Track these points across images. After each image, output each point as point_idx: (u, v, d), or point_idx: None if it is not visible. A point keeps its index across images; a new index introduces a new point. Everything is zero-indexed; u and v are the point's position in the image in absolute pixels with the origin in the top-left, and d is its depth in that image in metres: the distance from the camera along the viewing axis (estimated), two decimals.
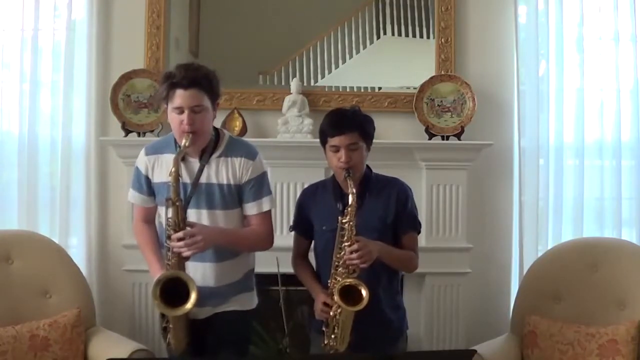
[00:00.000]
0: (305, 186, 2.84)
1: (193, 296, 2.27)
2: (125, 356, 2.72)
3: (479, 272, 3.53)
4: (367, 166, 2.62)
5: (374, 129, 2.60)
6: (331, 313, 2.44)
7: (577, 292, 3.05)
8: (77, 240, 3.52)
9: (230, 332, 2.50)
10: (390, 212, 2.57)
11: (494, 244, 3.62)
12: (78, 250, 3.49)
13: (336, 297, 2.39)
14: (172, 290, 2.29)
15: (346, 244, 2.41)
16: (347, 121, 2.52)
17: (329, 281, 2.49)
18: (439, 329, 3.48)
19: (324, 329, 2.50)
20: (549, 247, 3.39)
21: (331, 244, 2.48)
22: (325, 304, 2.48)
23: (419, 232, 2.67)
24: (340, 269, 2.44)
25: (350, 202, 2.42)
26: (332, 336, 2.47)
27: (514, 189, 3.58)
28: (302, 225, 2.69)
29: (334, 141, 2.50)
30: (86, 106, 3.49)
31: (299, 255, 2.73)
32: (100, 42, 3.50)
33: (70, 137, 3.50)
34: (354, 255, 2.38)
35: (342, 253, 2.42)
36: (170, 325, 2.41)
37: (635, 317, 2.89)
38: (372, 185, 2.60)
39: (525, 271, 3.27)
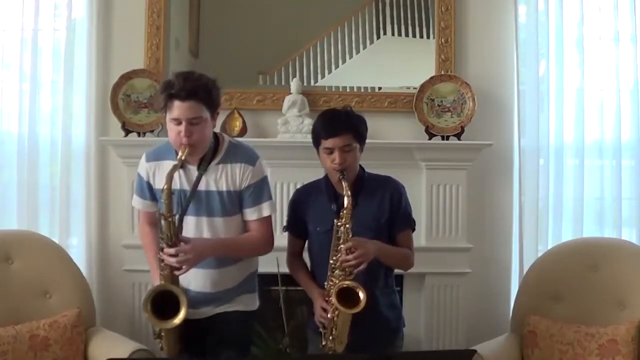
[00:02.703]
0: (298, 186, 2.84)
1: (182, 311, 2.30)
2: (125, 356, 2.71)
3: (479, 272, 3.52)
4: (360, 166, 2.62)
5: (367, 129, 2.60)
6: (329, 315, 2.44)
7: (577, 292, 3.05)
8: (77, 240, 3.52)
9: (231, 332, 2.50)
10: (385, 211, 2.57)
11: (494, 244, 3.62)
12: (78, 250, 3.49)
13: (333, 300, 2.39)
14: (165, 299, 2.31)
15: (342, 246, 2.41)
16: (340, 123, 2.50)
17: (325, 283, 2.49)
18: (439, 329, 3.47)
19: (321, 330, 2.50)
20: (549, 247, 3.39)
21: (326, 244, 2.48)
22: (323, 308, 2.48)
23: (413, 230, 2.67)
24: (336, 271, 2.43)
25: (345, 205, 2.42)
26: (330, 337, 2.46)
27: (514, 189, 3.57)
28: (296, 226, 2.68)
29: (327, 143, 2.49)
30: (86, 106, 3.49)
31: (294, 254, 2.73)
32: (100, 42, 3.50)
33: (70, 137, 3.50)
34: (350, 257, 2.38)
35: (339, 255, 2.42)
36: (162, 333, 2.43)
37: (635, 317, 2.89)
38: (365, 185, 2.60)
39: (525, 271, 3.27)
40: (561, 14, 3.51)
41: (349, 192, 2.43)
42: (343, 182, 2.44)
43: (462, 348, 3.26)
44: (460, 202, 3.46)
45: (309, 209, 2.63)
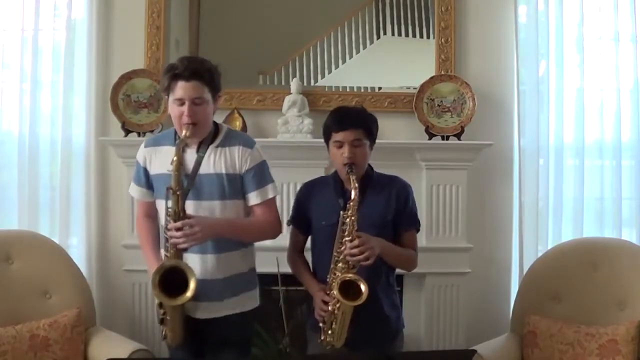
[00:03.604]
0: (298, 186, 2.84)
1: (192, 285, 2.27)
2: (125, 356, 2.72)
3: (479, 272, 3.52)
4: (370, 165, 2.64)
5: (378, 128, 2.62)
6: (329, 308, 2.45)
7: (577, 292, 3.05)
8: (77, 240, 3.52)
9: (231, 333, 2.49)
10: (391, 209, 2.58)
11: (494, 244, 3.62)
12: (78, 250, 3.49)
13: (335, 292, 2.39)
14: (171, 282, 2.29)
15: (347, 238, 2.42)
16: (351, 118, 2.54)
17: (327, 276, 2.49)
18: (439, 329, 3.48)
19: (320, 324, 2.50)
20: (549, 247, 3.39)
21: (330, 239, 2.48)
22: (324, 301, 2.48)
23: (418, 230, 2.67)
24: (340, 264, 2.44)
25: (352, 197, 2.43)
26: (330, 332, 2.47)
27: (514, 189, 3.58)
28: (300, 220, 2.69)
29: (337, 136, 2.51)
30: (86, 106, 3.49)
31: (295, 250, 2.73)
32: (100, 42, 3.50)
33: (70, 137, 3.50)
34: (356, 250, 2.38)
35: (343, 248, 2.43)
36: (168, 317, 2.40)
37: (635, 317, 2.90)
38: (373, 182, 2.61)
39: (525, 271, 3.28)
40: (561, 14, 3.51)
41: (356, 185, 2.44)
42: (351, 176, 2.45)
43: (462, 348, 3.26)
44: (460, 202, 3.46)
45: (314, 203, 2.65)
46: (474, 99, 3.46)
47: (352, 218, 2.42)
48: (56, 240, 3.34)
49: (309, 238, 2.71)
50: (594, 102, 3.55)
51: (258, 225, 2.51)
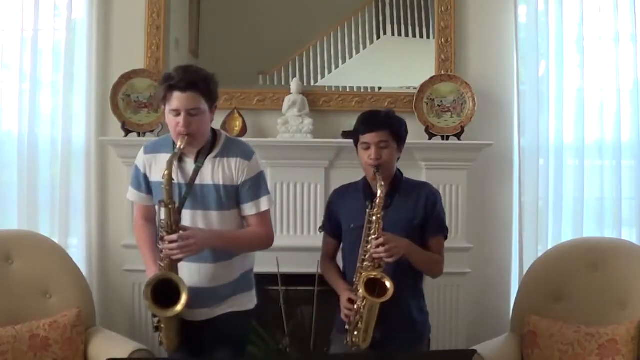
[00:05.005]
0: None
1: (183, 298, 2.29)
2: (125, 356, 2.72)
3: (479, 272, 3.53)
4: (399, 170, 2.66)
5: (407, 131, 2.65)
6: (355, 306, 2.45)
7: (577, 292, 3.05)
8: (77, 240, 3.52)
9: (228, 332, 2.50)
10: (418, 214, 2.60)
11: (494, 244, 3.62)
12: (78, 250, 3.49)
13: (361, 289, 2.41)
14: (165, 290, 2.30)
15: (373, 237, 2.43)
16: (378, 120, 2.58)
17: (354, 275, 2.50)
18: (439, 329, 3.47)
19: (347, 327, 2.51)
20: (549, 247, 3.39)
21: (358, 241, 2.50)
22: (350, 300, 2.48)
23: (446, 237, 2.68)
24: (366, 262, 2.45)
25: (378, 195, 2.45)
26: (355, 332, 2.47)
27: (514, 189, 3.58)
28: (331, 225, 2.72)
29: (364, 138, 2.55)
30: (86, 106, 3.49)
31: (327, 255, 2.76)
32: (100, 42, 3.50)
33: (70, 137, 3.50)
34: (381, 248, 2.40)
35: (369, 246, 2.44)
36: (162, 325, 2.42)
37: (636, 317, 2.89)
38: (402, 186, 2.63)
39: (525, 271, 3.27)
40: (561, 14, 3.51)
41: (382, 183, 2.46)
42: (377, 175, 2.48)
43: (462, 348, 3.26)
44: (460, 202, 3.46)
45: (343, 207, 2.67)
46: (474, 99, 3.46)
47: (378, 216, 2.44)
48: (56, 240, 3.34)
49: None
50: (594, 102, 3.55)
51: (251, 237, 2.52)
